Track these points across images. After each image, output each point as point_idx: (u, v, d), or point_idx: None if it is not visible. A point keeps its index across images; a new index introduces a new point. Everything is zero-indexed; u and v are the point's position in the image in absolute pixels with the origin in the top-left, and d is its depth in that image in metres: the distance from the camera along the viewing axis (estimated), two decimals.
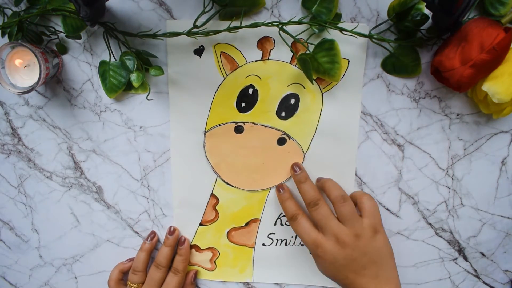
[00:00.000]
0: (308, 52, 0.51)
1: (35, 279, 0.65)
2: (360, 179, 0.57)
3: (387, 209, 0.58)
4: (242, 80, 0.53)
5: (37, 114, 0.58)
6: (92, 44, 0.54)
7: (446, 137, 0.55)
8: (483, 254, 0.59)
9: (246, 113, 0.54)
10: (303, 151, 0.56)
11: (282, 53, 0.52)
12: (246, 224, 0.59)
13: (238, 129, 0.55)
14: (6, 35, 0.52)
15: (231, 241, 0.60)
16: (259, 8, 0.51)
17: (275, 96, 0.53)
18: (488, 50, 0.43)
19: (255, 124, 0.55)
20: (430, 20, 0.49)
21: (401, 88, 0.53)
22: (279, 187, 0.56)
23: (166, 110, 0.56)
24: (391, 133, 0.55)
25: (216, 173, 0.57)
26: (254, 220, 0.59)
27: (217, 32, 0.50)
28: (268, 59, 0.52)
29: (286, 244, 0.59)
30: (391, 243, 0.60)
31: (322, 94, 0.53)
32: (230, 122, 0.55)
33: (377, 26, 0.51)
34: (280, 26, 0.50)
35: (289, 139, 0.55)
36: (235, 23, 0.50)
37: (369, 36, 0.50)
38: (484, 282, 0.60)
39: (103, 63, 0.54)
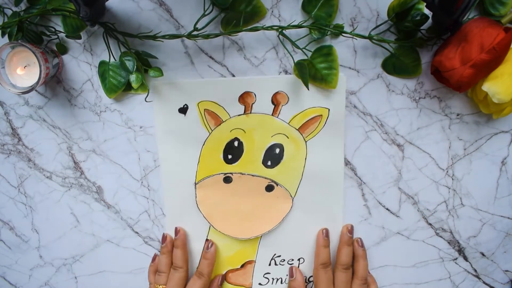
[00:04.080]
0: (306, 58, 0.51)
1: (35, 279, 0.65)
2: (360, 179, 0.57)
3: (387, 209, 0.58)
4: (227, 134, 0.55)
5: (37, 114, 0.58)
6: (92, 44, 0.54)
7: (446, 137, 0.55)
8: (483, 254, 0.59)
9: (233, 164, 0.56)
10: (291, 195, 0.57)
11: (263, 106, 0.53)
12: (242, 266, 0.60)
13: (227, 180, 0.57)
14: (6, 35, 0.52)
15: (228, 282, 0.61)
16: (261, 16, 0.51)
17: (260, 147, 0.55)
18: (488, 50, 0.43)
19: (243, 174, 0.56)
20: (430, 20, 0.49)
21: (401, 88, 0.53)
22: (326, 232, 0.57)
23: None
24: (391, 133, 0.55)
25: (208, 222, 0.59)
26: (249, 262, 0.60)
27: (217, 35, 0.50)
28: (250, 113, 0.54)
29: (281, 282, 0.61)
30: (391, 243, 0.60)
31: (306, 142, 0.55)
32: (219, 174, 0.57)
33: (377, 26, 0.51)
34: (280, 30, 0.50)
35: (277, 185, 0.57)
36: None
37: (369, 37, 0.50)
38: (484, 282, 0.60)
39: (102, 63, 0.54)
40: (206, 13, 0.49)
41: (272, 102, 0.53)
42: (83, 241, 0.62)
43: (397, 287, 0.61)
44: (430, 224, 0.58)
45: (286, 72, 0.53)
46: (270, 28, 0.50)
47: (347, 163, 0.56)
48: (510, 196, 0.57)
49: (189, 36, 0.50)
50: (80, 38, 0.54)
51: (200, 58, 0.53)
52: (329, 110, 0.53)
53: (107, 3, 0.51)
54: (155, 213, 0.60)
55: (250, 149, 0.55)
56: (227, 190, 0.57)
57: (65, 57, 0.55)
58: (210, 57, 0.53)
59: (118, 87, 0.54)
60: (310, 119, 0.54)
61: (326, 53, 0.51)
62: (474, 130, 0.54)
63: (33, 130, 0.58)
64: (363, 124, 0.55)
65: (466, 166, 0.56)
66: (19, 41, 0.51)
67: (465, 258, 0.59)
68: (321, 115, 0.53)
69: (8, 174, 0.61)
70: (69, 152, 0.59)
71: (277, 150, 0.55)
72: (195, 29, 0.50)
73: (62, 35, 0.54)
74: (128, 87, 0.55)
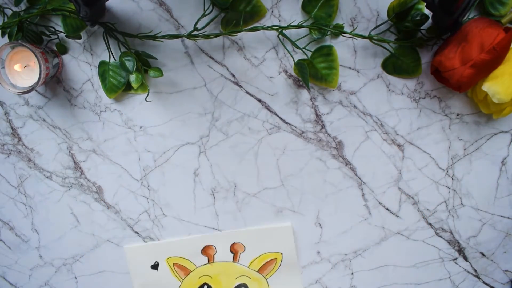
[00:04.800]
0: (306, 58, 0.51)
1: (35, 279, 0.65)
2: (360, 179, 0.57)
3: (387, 209, 0.58)
4: (196, 280, 0.63)
5: (37, 114, 0.58)
6: (92, 44, 0.54)
7: (446, 137, 0.55)
8: (483, 254, 0.59)
9: None
10: None
11: (224, 255, 0.61)
12: None
13: None
14: (6, 35, 0.52)
15: None
16: (261, 16, 0.51)
17: (228, 287, 0.63)
18: (488, 50, 0.43)
19: None
20: (430, 20, 0.49)
21: (401, 88, 0.53)
22: None
23: (166, 110, 0.56)
24: (391, 133, 0.55)
25: None
26: None
27: (217, 35, 0.50)
28: (214, 262, 0.62)
29: None
30: (391, 243, 0.60)
31: (267, 280, 0.62)
32: None
33: (377, 26, 0.51)
34: (280, 30, 0.50)
35: None
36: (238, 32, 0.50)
37: (369, 37, 0.50)
38: (484, 282, 0.60)
39: (102, 64, 0.54)
40: (206, 13, 0.49)
41: (231, 251, 0.61)
42: (83, 241, 0.62)
43: (397, 287, 0.61)
44: (430, 224, 0.58)
45: (286, 72, 0.53)
46: (270, 28, 0.50)
47: (347, 163, 0.56)
48: (510, 196, 0.57)
49: (189, 36, 0.50)
50: (80, 38, 0.54)
51: (200, 58, 0.53)
52: (282, 254, 0.61)
53: (107, 3, 0.51)
54: (155, 213, 0.60)
55: None
56: None
57: (65, 57, 0.55)
58: (210, 57, 0.53)
59: (118, 87, 0.54)
60: (266, 262, 0.61)
61: (326, 53, 0.51)
62: (474, 130, 0.54)
63: (33, 130, 0.58)
64: (363, 124, 0.55)
65: (466, 166, 0.56)
66: (19, 41, 0.51)
67: (465, 258, 0.59)
68: (276, 258, 0.61)
69: (8, 174, 0.61)
70: (69, 152, 0.59)
71: None
72: (195, 29, 0.50)
73: (62, 35, 0.54)
74: (128, 87, 0.55)
